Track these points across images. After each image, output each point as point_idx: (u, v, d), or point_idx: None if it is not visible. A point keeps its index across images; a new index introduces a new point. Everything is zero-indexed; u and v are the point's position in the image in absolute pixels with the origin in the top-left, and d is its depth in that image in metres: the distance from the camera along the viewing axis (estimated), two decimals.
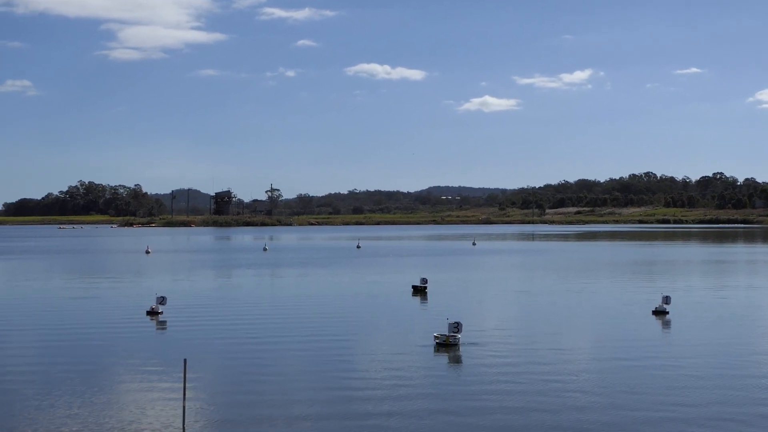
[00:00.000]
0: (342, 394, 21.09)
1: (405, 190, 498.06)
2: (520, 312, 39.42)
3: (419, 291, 46.33)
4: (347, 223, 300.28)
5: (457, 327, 27.94)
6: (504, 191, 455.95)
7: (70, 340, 30.09)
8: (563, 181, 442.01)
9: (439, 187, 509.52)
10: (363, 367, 24.70)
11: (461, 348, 27.34)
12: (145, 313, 36.64)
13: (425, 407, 19.81)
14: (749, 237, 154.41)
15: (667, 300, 37.10)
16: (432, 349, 27.54)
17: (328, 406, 19.94)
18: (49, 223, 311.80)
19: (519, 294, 47.55)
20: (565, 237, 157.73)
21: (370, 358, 26.11)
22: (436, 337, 28.27)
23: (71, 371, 23.84)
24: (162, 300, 36.90)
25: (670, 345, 29.57)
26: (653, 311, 37.12)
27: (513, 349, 28.00)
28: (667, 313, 36.48)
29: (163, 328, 33.06)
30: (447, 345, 27.59)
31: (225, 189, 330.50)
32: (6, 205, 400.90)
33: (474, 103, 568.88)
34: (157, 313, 36.19)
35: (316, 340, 29.58)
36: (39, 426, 18.06)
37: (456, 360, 25.99)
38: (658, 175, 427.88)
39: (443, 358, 26.27)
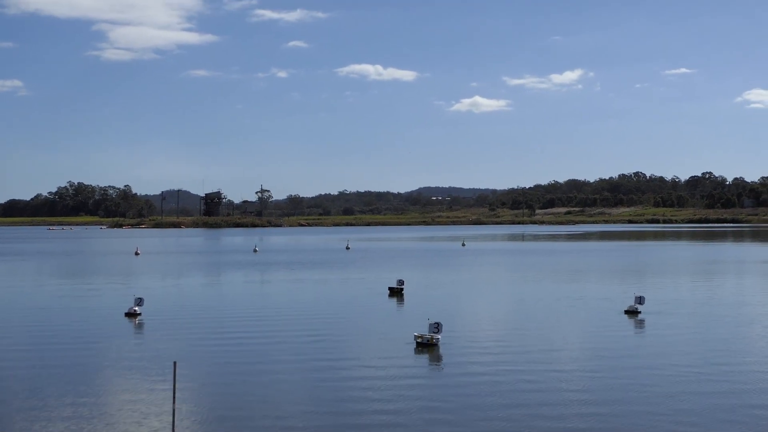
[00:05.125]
0: (326, 396, 21.24)
1: (395, 191, 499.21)
2: (496, 313, 39.57)
3: (396, 293, 46.23)
4: (337, 224, 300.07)
5: (437, 327, 28.01)
6: (494, 192, 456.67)
7: (52, 341, 30.03)
8: (553, 182, 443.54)
9: (429, 187, 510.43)
10: (345, 368, 24.78)
11: (441, 348, 27.40)
12: (123, 314, 36.51)
13: (407, 406, 19.96)
14: (738, 236, 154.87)
15: (640, 300, 37.55)
16: (409, 348, 27.60)
17: (313, 407, 20.09)
18: (38, 224, 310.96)
19: (498, 295, 47.78)
20: (554, 237, 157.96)
21: (350, 359, 26.26)
22: (417, 337, 28.28)
23: (54, 372, 23.87)
24: (140, 301, 36.83)
25: (639, 344, 29.66)
26: (625, 311, 37.49)
27: (486, 349, 28.09)
28: (639, 312, 36.80)
29: (139, 330, 32.95)
30: (428, 345, 27.62)
31: (215, 190, 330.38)
32: None
33: (464, 104, 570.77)
34: (136, 315, 36.09)
35: (297, 341, 29.67)
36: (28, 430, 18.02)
37: (436, 359, 26.08)
38: (648, 175, 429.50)
39: (424, 359, 26.30)
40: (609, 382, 22.66)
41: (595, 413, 19.36)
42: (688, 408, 19.85)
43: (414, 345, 28.06)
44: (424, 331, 28.44)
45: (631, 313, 37.05)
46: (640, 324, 34.47)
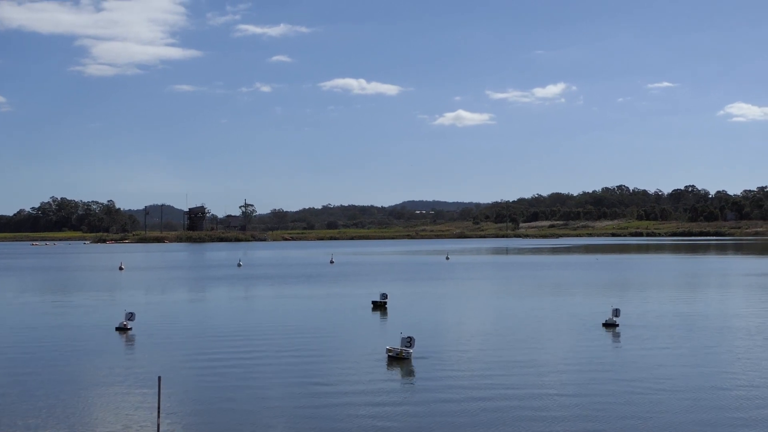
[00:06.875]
0: (303, 413, 21.71)
1: (379, 205, 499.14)
2: (476, 327, 39.99)
3: (379, 306, 46.83)
4: (321, 238, 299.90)
5: (409, 341, 28.52)
6: (478, 205, 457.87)
7: (40, 357, 30.34)
8: (537, 195, 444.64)
9: (413, 201, 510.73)
10: (323, 382, 25.26)
11: (413, 362, 27.94)
12: (114, 329, 36.95)
13: (376, 420, 20.47)
14: (721, 249, 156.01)
15: (616, 313, 38.37)
16: (385, 363, 28.19)
17: (288, 423, 20.53)
18: (21, 239, 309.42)
19: (479, 309, 48.35)
20: (538, 251, 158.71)
21: (329, 373, 26.73)
22: (388, 350, 28.81)
23: (41, 387, 24.20)
24: (131, 316, 37.29)
25: (615, 358, 30.21)
26: (603, 324, 38.15)
27: (464, 363, 28.58)
28: (617, 325, 37.51)
29: (131, 344, 33.41)
30: (400, 359, 28.16)
31: (198, 204, 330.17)
32: None
33: (448, 118, 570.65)
34: (127, 329, 36.54)
35: (280, 356, 30.19)
36: None
37: (408, 374, 26.57)
38: (631, 188, 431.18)
39: (395, 372, 26.83)
40: (579, 393, 23.23)
41: (562, 425, 19.99)
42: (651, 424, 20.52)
43: (386, 359, 28.61)
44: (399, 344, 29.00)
45: (609, 325, 37.78)
46: (617, 337, 35.06)
